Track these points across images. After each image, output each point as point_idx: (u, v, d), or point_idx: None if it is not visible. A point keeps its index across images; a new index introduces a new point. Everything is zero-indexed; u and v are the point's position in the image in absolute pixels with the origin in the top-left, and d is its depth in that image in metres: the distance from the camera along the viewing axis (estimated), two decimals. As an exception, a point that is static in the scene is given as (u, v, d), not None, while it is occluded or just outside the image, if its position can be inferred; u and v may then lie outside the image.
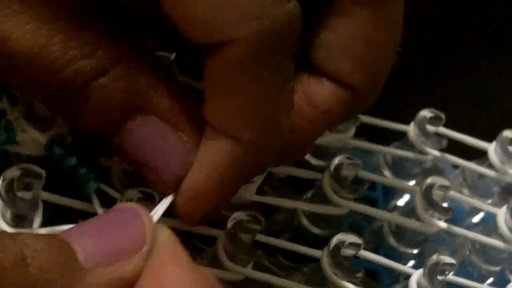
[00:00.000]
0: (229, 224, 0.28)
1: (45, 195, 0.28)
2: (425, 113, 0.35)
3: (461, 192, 0.38)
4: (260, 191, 0.33)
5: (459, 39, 0.42)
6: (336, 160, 0.31)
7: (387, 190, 0.37)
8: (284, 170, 0.34)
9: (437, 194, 0.32)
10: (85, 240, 0.21)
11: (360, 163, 0.32)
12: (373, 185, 0.37)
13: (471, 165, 0.37)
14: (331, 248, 0.29)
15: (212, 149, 0.25)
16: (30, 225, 0.27)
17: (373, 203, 0.36)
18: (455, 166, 0.39)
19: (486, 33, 0.39)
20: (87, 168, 0.28)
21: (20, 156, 0.30)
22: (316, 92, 0.28)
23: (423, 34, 0.44)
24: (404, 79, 0.42)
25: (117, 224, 0.22)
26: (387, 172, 0.37)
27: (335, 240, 0.29)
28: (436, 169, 0.38)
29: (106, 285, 0.21)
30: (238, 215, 0.28)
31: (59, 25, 0.24)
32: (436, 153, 0.36)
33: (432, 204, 0.32)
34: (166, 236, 0.22)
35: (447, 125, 0.35)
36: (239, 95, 0.24)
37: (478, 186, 0.38)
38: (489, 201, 0.38)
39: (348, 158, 0.32)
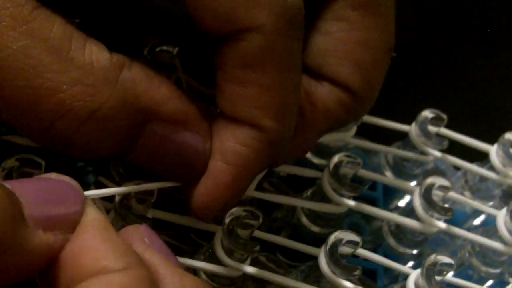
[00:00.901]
0: (227, 219, 0.28)
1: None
2: (427, 113, 0.35)
3: (462, 194, 0.38)
4: (259, 188, 0.33)
5: (459, 39, 0.42)
6: (335, 158, 0.31)
7: (387, 190, 0.37)
8: (284, 169, 0.34)
9: (437, 194, 0.32)
10: (29, 198, 0.21)
11: (360, 161, 0.32)
12: (374, 185, 0.37)
13: (473, 167, 0.37)
14: (328, 246, 0.29)
15: (232, 140, 0.25)
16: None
17: (373, 203, 0.36)
18: (457, 168, 0.39)
19: (486, 33, 0.39)
20: (85, 161, 0.28)
21: (21, 147, 0.30)
22: (316, 92, 0.28)
23: (423, 34, 0.44)
24: (404, 79, 0.42)
25: (59, 193, 0.22)
26: (388, 172, 0.37)
27: (332, 238, 0.29)
28: (437, 171, 0.38)
29: (45, 251, 0.20)
30: (236, 210, 0.28)
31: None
32: (437, 153, 0.35)
33: (431, 204, 0.32)
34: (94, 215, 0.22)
35: (447, 125, 0.35)
36: (260, 82, 0.24)
37: (480, 189, 0.38)
38: (491, 203, 0.38)
39: (348, 156, 0.31)
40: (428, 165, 0.38)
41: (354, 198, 0.33)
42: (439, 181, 0.32)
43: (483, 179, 0.37)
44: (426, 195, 0.32)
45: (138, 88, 0.24)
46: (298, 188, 0.35)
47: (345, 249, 0.29)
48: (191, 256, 0.30)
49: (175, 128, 0.26)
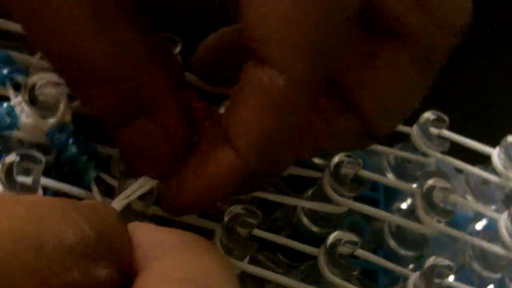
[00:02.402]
0: (226, 217, 0.28)
1: (45, 181, 0.28)
2: (428, 115, 0.35)
3: (464, 197, 0.38)
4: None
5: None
6: (336, 159, 0.31)
7: (388, 192, 0.37)
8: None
9: (437, 196, 0.32)
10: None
11: (360, 161, 0.32)
12: (375, 186, 0.37)
13: (474, 170, 0.37)
14: (327, 246, 0.29)
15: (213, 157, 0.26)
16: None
17: (374, 203, 0.36)
18: (459, 171, 0.39)
19: (486, 33, 0.39)
20: (87, 156, 0.28)
21: (22, 143, 0.30)
22: (337, 124, 0.29)
23: None
24: None
25: None
26: (389, 174, 0.37)
27: (332, 237, 0.29)
28: (439, 173, 0.38)
29: None
30: (235, 208, 0.28)
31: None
32: (439, 155, 0.35)
33: (432, 206, 0.32)
34: None
35: (448, 126, 0.35)
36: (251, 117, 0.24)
37: (482, 192, 0.38)
38: (493, 207, 0.38)
39: (348, 156, 0.31)
40: (429, 167, 0.38)
41: (355, 199, 0.33)
42: (440, 183, 0.32)
43: (485, 182, 0.37)
44: (427, 197, 0.32)
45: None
46: (299, 188, 0.35)
47: (344, 249, 0.29)
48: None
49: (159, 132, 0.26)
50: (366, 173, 0.34)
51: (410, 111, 0.29)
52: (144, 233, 0.22)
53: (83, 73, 0.24)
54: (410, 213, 0.33)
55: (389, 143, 0.37)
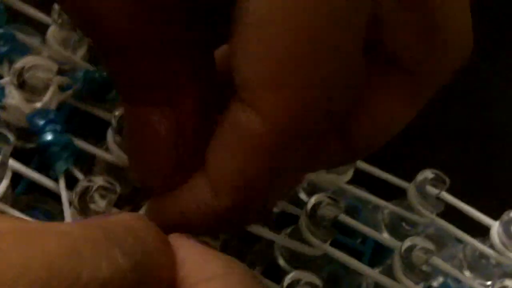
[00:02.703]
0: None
1: (16, 166, 0.28)
2: (427, 174, 0.33)
3: (460, 268, 0.36)
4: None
5: None
6: (313, 199, 0.30)
7: (379, 247, 0.35)
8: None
9: (418, 256, 0.31)
10: None
11: (342, 205, 0.30)
12: (365, 239, 0.36)
13: (470, 240, 0.35)
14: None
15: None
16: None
17: (359, 256, 0.35)
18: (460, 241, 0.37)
19: (486, 33, 0.38)
20: (60, 147, 0.28)
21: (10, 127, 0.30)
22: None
23: None
24: None
25: None
26: (383, 230, 0.36)
27: (290, 277, 0.28)
28: (437, 238, 0.36)
29: None
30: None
31: None
32: (434, 217, 0.34)
33: (410, 266, 0.31)
34: None
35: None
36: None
37: (478, 265, 0.36)
38: (489, 283, 0.36)
39: (330, 198, 0.30)
40: (428, 230, 0.36)
41: (341, 248, 0.32)
42: (421, 243, 0.31)
43: (482, 255, 0.35)
44: (406, 256, 0.31)
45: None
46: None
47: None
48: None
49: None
50: (358, 224, 0.33)
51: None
52: (189, 253, 0.21)
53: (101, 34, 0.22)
54: (389, 269, 0.32)
55: (387, 197, 0.36)
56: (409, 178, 0.34)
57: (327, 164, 0.28)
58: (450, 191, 0.34)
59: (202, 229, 0.24)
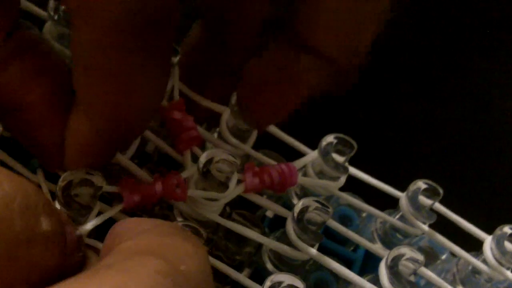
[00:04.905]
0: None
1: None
2: (420, 184, 0.33)
3: (453, 283, 0.35)
4: (230, 217, 0.32)
5: (459, 39, 0.40)
6: (300, 203, 0.30)
7: (371, 256, 0.35)
8: (268, 206, 0.33)
9: (405, 265, 0.30)
10: None
11: (330, 210, 0.30)
12: (357, 247, 0.35)
13: (464, 255, 0.34)
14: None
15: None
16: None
17: (350, 264, 0.35)
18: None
19: (486, 33, 0.38)
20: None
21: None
22: (298, 64, 0.28)
23: (423, 34, 0.42)
24: (403, 78, 0.40)
25: None
26: (376, 241, 0.35)
27: (271, 279, 0.28)
28: (430, 250, 0.36)
29: None
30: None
31: None
32: (426, 228, 0.33)
33: (396, 276, 0.30)
34: None
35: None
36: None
37: (471, 280, 0.35)
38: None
39: (318, 202, 0.30)
40: (421, 242, 0.36)
41: (328, 255, 0.31)
42: (409, 253, 0.30)
43: (475, 270, 0.35)
44: (392, 266, 0.30)
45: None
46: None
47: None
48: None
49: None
50: (345, 230, 0.33)
51: (367, 40, 0.28)
52: (121, 223, 0.23)
53: None
54: (376, 278, 0.31)
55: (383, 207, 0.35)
56: (405, 183, 0.34)
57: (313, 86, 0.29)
58: (445, 199, 0.34)
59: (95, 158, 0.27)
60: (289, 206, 0.34)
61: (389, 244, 0.35)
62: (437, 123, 0.39)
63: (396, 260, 0.30)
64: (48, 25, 0.33)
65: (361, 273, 0.34)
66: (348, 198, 0.34)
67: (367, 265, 0.35)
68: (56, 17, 0.32)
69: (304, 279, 0.32)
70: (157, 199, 0.29)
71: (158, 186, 0.29)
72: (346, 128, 0.33)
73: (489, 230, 0.34)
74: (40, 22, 0.33)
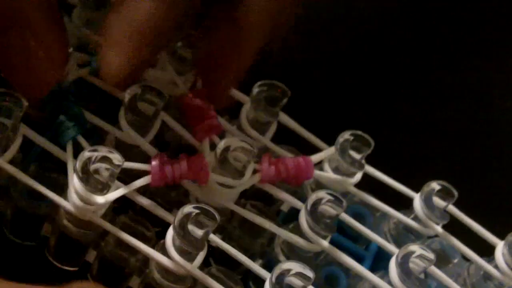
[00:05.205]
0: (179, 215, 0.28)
1: (27, 131, 0.29)
2: (434, 185, 0.33)
3: (464, 287, 0.35)
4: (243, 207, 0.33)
5: (459, 39, 0.41)
6: (314, 195, 0.30)
7: (382, 255, 0.35)
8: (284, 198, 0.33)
9: (416, 263, 0.31)
10: None
11: (344, 204, 0.30)
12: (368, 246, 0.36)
13: (477, 259, 0.34)
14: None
15: None
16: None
17: (361, 260, 0.35)
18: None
19: (486, 33, 0.38)
20: (70, 116, 0.29)
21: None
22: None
23: (423, 34, 0.42)
24: (403, 78, 0.40)
25: None
26: (389, 237, 0.35)
27: (279, 266, 0.28)
28: (442, 253, 0.36)
29: None
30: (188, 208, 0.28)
31: None
32: (439, 229, 0.34)
33: (407, 273, 0.30)
34: None
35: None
36: None
37: (482, 285, 0.35)
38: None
39: (330, 195, 0.30)
40: (432, 245, 0.36)
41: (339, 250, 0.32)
42: (420, 251, 0.30)
43: (487, 276, 0.35)
44: (403, 263, 0.30)
45: None
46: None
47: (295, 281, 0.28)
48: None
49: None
50: (358, 226, 0.33)
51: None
52: None
53: None
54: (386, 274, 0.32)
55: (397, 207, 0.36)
56: (406, 183, 0.34)
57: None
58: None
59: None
60: (304, 200, 0.35)
61: (401, 245, 0.35)
62: (437, 123, 0.39)
63: (406, 258, 0.31)
64: (77, 10, 0.33)
65: (371, 271, 0.35)
66: (363, 195, 0.35)
67: (378, 263, 0.35)
68: (84, 2, 0.33)
69: (315, 270, 0.32)
70: (180, 179, 0.29)
71: (184, 165, 0.29)
72: (343, 129, 0.33)
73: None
74: (69, 7, 0.34)
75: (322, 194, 0.30)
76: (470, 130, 0.34)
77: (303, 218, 0.31)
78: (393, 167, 0.34)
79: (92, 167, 0.28)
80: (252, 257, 0.33)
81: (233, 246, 0.33)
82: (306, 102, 0.35)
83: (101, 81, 0.32)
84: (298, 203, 0.33)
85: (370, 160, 0.34)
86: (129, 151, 0.31)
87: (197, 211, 0.28)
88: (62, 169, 0.30)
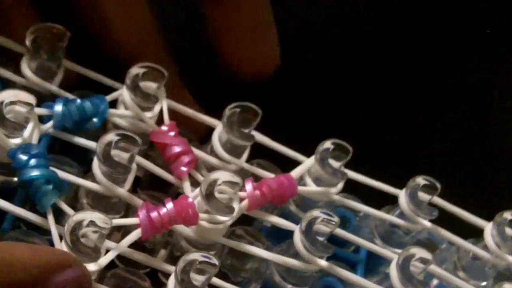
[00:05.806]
0: (180, 265, 0.27)
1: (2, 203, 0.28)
2: (419, 180, 0.33)
3: (455, 272, 0.36)
4: (232, 235, 0.32)
5: (459, 39, 0.41)
6: (308, 215, 0.30)
7: (374, 255, 0.35)
8: (267, 219, 0.33)
9: (416, 266, 0.30)
10: None
11: (337, 220, 0.30)
12: (358, 248, 0.35)
13: (465, 244, 0.34)
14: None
15: None
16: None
17: (354, 266, 0.35)
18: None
19: (486, 33, 0.38)
20: (45, 180, 0.27)
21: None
22: None
23: (423, 34, 0.43)
24: (403, 78, 0.40)
25: None
26: (376, 237, 0.35)
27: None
28: (429, 242, 0.36)
29: None
30: (193, 255, 0.27)
31: None
32: (427, 224, 0.34)
33: (407, 277, 0.30)
34: None
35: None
36: None
37: (473, 267, 0.35)
38: (483, 283, 0.36)
39: (325, 213, 0.30)
40: (420, 235, 0.36)
41: (331, 258, 0.31)
42: (420, 252, 0.30)
43: (475, 257, 0.35)
44: (403, 266, 0.30)
45: None
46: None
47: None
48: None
49: None
50: (344, 233, 0.33)
51: None
52: None
53: None
54: (386, 279, 0.31)
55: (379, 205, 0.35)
56: (405, 179, 0.34)
57: None
58: (446, 191, 0.34)
59: None
60: (286, 214, 0.34)
61: (389, 240, 0.35)
62: (437, 123, 0.39)
63: (407, 261, 0.30)
64: (26, 59, 0.31)
65: (366, 273, 0.35)
66: (344, 201, 0.34)
67: (370, 264, 0.35)
68: (33, 50, 0.31)
69: (312, 285, 0.32)
70: (170, 225, 0.28)
71: (172, 211, 0.28)
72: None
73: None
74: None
75: (316, 213, 0.30)
76: (470, 130, 0.34)
77: (298, 240, 0.30)
78: (393, 167, 0.34)
79: (80, 232, 0.26)
80: (248, 283, 0.33)
81: (226, 274, 0.32)
82: (306, 102, 0.34)
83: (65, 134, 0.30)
84: (289, 225, 0.32)
85: (370, 160, 0.33)
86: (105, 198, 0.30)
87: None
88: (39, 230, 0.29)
